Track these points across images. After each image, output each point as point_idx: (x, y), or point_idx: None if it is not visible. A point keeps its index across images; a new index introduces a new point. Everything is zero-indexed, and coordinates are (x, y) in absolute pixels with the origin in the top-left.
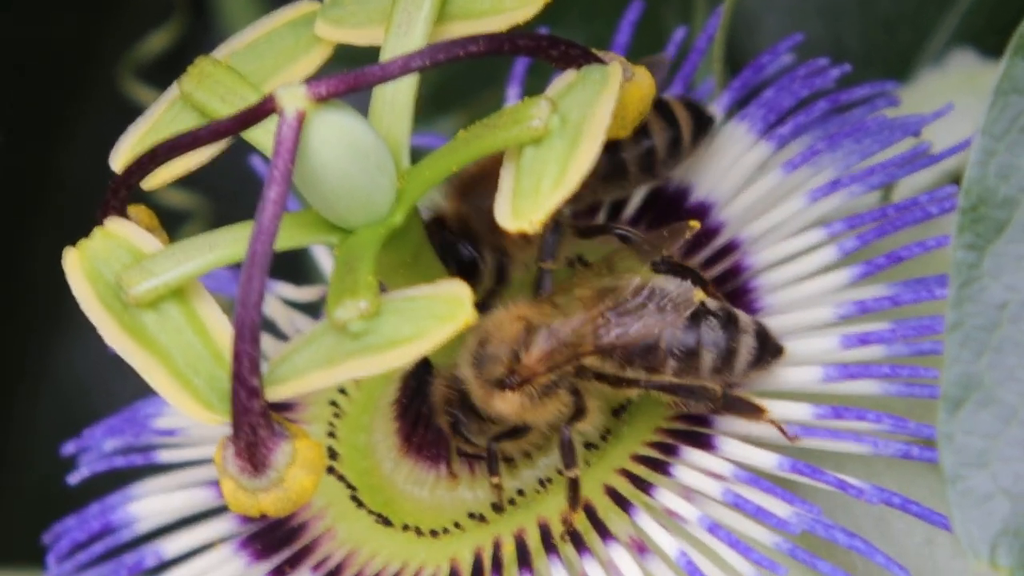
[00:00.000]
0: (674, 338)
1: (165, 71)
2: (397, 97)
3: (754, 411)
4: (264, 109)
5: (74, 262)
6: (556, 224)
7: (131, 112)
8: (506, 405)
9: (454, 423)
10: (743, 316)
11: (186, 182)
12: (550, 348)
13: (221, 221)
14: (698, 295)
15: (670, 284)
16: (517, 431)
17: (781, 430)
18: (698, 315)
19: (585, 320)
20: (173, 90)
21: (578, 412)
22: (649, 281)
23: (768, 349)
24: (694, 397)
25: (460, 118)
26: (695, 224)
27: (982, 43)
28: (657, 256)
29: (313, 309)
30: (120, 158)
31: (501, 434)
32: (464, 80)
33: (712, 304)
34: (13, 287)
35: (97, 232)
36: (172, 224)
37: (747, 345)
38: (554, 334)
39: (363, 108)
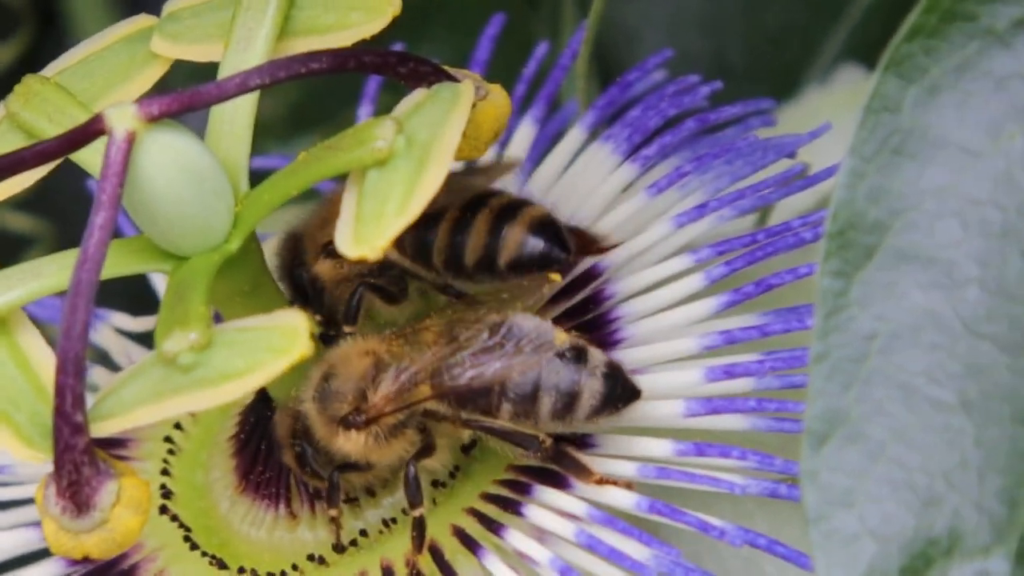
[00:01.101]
0: (510, 380)
1: (11, 88)
2: (236, 117)
3: (582, 471)
4: (92, 130)
5: None
6: (359, 286)
7: None
8: (350, 444)
9: (300, 455)
10: (595, 355)
11: (32, 206)
12: (399, 387)
13: (68, 247)
14: (559, 336)
15: (528, 323)
16: (360, 466)
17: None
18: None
19: (437, 359)
20: (0, 110)
21: (425, 449)
22: (507, 319)
23: (618, 393)
24: (523, 446)
25: (320, 137)
26: (556, 278)
27: (872, 59)
28: (514, 309)
29: (151, 339)
30: None
31: (344, 465)
32: (325, 98)
33: (561, 340)
34: None
35: None
36: (15, 250)
37: (592, 389)
38: (404, 372)
39: (200, 128)
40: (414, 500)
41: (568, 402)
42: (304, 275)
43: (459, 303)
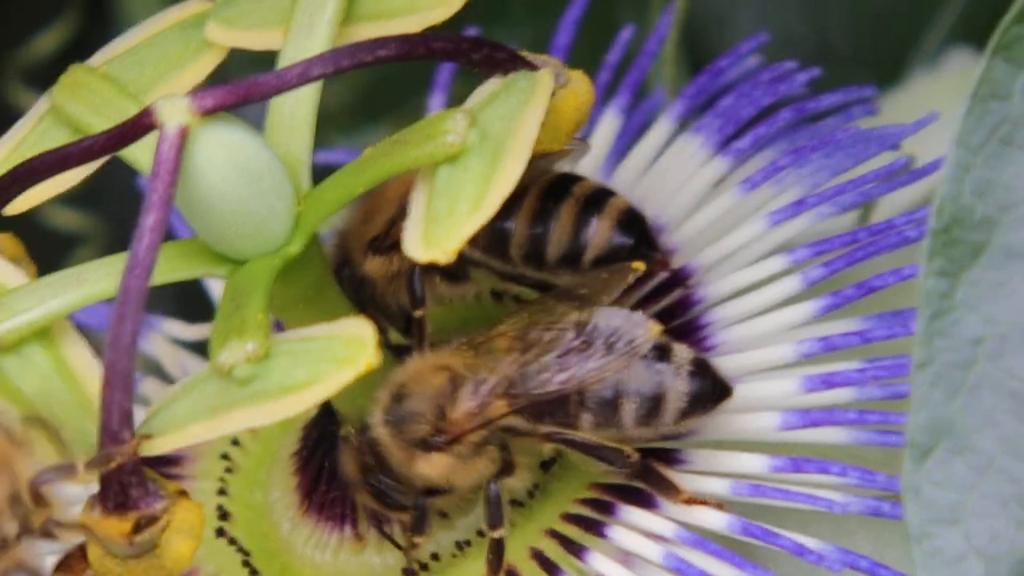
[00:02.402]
0: (589, 387)
1: (56, 79)
2: (297, 109)
3: (670, 489)
4: (142, 124)
5: None
6: (415, 268)
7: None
8: (431, 468)
9: (377, 491)
10: (679, 352)
11: (81, 201)
12: (480, 402)
13: (119, 247)
14: (653, 329)
15: (616, 318)
16: (442, 490)
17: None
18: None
19: (518, 366)
20: (43, 103)
21: (506, 467)
22: (592, 316)
23: (708, 392)
24: (608, 461)
25: (389, 128)
26: (640, 266)
27: (983, 41)
28: (596, 305)
29: (207, 348)
30: None
31: (427, 490)
32: (394, 84)
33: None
34: None
35: None
36: (63, 249)
37: (677, 391)
38: (483, 385)
39: (260, 121)
40: (495, 521)
41: (653, 406)
42: (352, 275)
43: (533, 304)
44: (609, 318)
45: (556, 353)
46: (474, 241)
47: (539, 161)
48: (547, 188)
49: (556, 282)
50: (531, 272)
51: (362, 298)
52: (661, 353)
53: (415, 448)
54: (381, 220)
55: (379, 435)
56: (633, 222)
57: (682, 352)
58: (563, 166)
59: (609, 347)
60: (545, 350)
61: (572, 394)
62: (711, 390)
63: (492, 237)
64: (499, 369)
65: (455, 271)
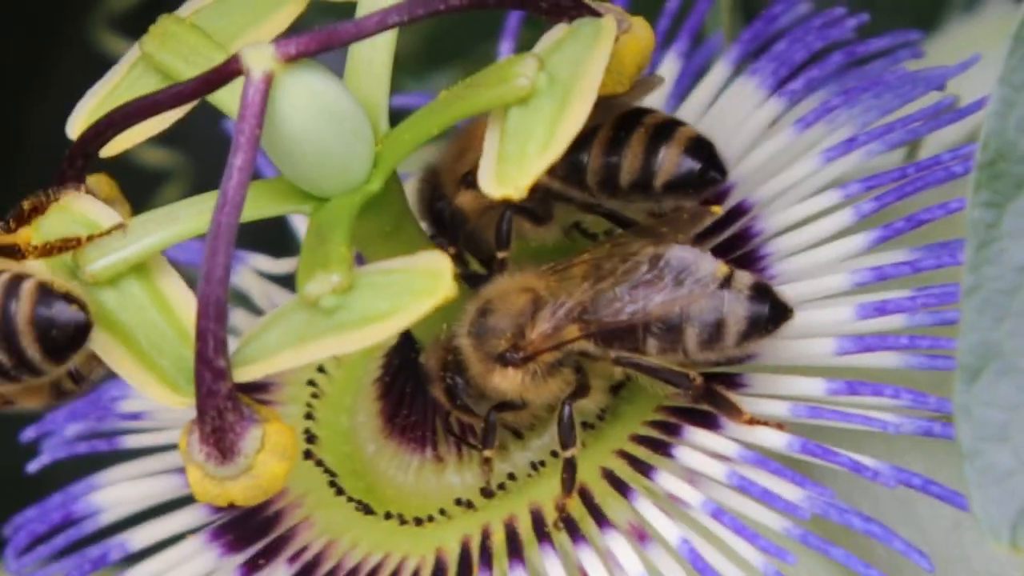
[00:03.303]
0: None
1: (145, 21)
2: (374, 56)
3: (732, 411)
4: (229, 70)
5: (29, 238)
6: (507, 210)
7: (107, 68)
8: (506, 382)
9: (451, 388)
10: (740, 278)
11: (169, 140)
12: (556, 324)
13: (205, 184)
14: (720, 268)
15: (687, 255)
16: (515, 405)
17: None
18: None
19: (593, 294)
20: (135, 51)
21: (580, 389)
22: (665, 251)
23: (768, 314)
24: (673, 383)
25: (457, 73)
26: (717, 209)
27: None
28: (670, 240)
29: (292, 281)
30: (77, 125)
31: (499, 405)
32: (461, 31)
33: (705, 266)
34: None
35: (52, 207)
36: (152, 185)
37: (737, 314)
38: (561, 308)
39: (339, 68)
40: (567, 441)
41: (715, 330)
42: (445, 208)
43: (617, 236)
44: (681, 255)
45: (629, 284)
46: (553, 172)
47: (617, 99)
48: (619, 120)
49: (631, 210)
50: (607, 199)
51: (453, 229)
52: (723, 281)
53: (493, 362)
54: (473, 157)
55: (462, 344)
56: (701, 147)
57: (743, 278)
58: (635, 101)
59: (679, 282)
60: (619, 281)
61: (640, 322)
62: (771, 312)
63: (570, 167)
64: (576, 295)
65: (539, 211)
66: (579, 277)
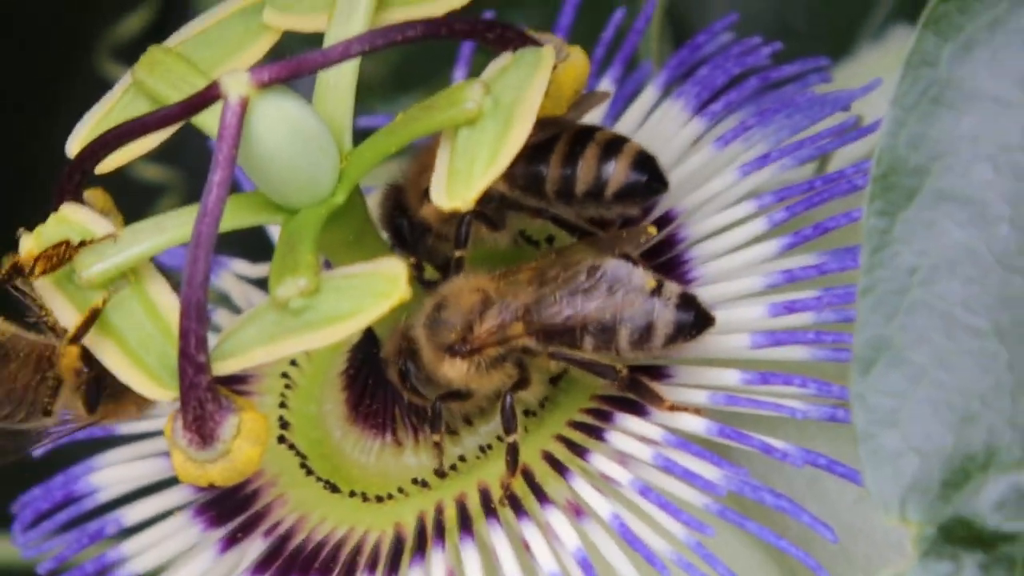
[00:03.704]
0: (591, 316)
1: (142, 51)
2: (339, 81)
3: (656, 399)
4: (209, 95)
5: (29, 247)
6: (467, 215)
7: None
8: (453, 371)
9: (403, 372)
10: (669, 288)
11: (163, 156)
12: (500, 322)
13: (198, 196)
14: (650, 282)
15: (622, 269)
16: (461, 394)
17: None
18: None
19: (534, 298)
20: (127, 77)
21: (521, 382)
22: (603, 264)
23: (692, 322)
24: (602, 375)
25: (421, 96)
26: (653, 230)
27: (918, 18)
28: (612, 254)
29: (267, 284)
30: (75, 144)
31: (447, 394)
32: (424, 59)
33: (637, 277)
34: None
35: (52, 217)
36: (149, 198)
37: (665, 320)
38: (506, 309)
39: (309, 92)
40: (509, 427)
41: (644, 332)
42: (406, 222)
43: (562, 248)
44: (616, 267)
45: (568, 290)
46: (514, 182)
47: (567, 115)
48: (574, 136)
49: (580, 216)
50: (562, 207)
51: (415, 240)
52: (654, 290)
53: (443, 352)
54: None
55: (416, 334)
56: (646, 161)
57: (672, 288)
58: (582, 115)
59: (612, 291)
60: (560, 287)
61: (576, 323)
62: (695, 320)
63: (530, 178)
64: (520, 297)
65: (495, 218)
66: (525, 282)
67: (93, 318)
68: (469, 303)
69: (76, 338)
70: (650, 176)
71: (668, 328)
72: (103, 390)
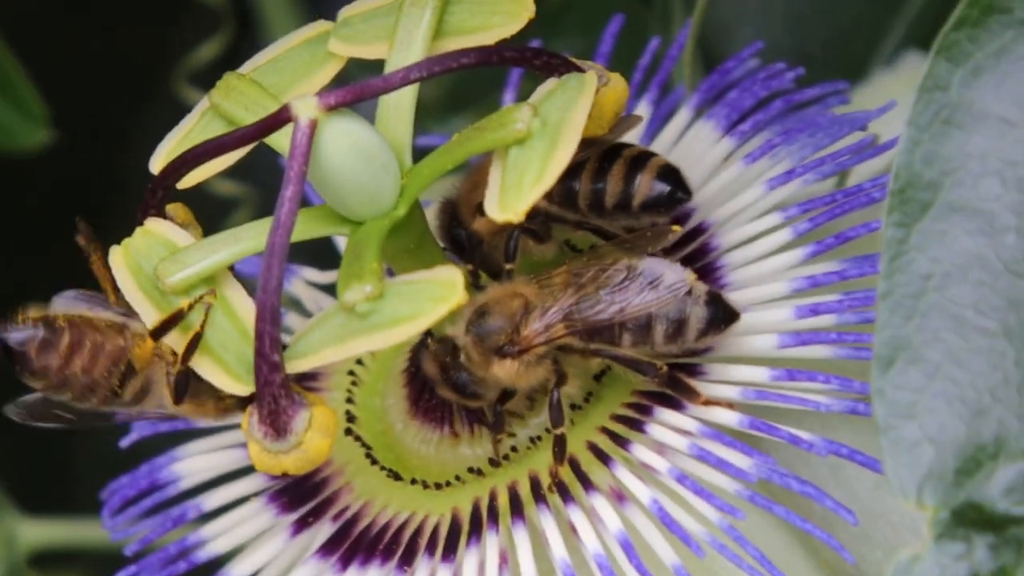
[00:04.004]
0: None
1: (216, 77)
2: (400, 104)
3: (692, 394)
4: (281, 118)
5: (118, 258)
6: (515, 231)
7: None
8: (503, 371)
9: (456, 384)
10: (698, 286)
11: (238, 173)
12: (545, 323)
13: (268, 209)
14: (690, 276)
15: (660, 265)
16: (508, 393)
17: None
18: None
19: (577, 298)
20: (205, 102)
21: (561, 378)
22: (642, 261)
23: (720, 316)
24: (643, 372)
25: (472, 118)
26: (677, 229)
27: (928, 46)
28: (641, 254)
29: (335, 289)
30: (158, 163)
31: (501, 395)
32: (476, 84)
33: (670, 276)
34: (85, 282)
35: (137, 230)
36: (224, 211)
37: (697, 315)
38: (549, 311)
39: (371, 114)
40: (556, 421)
41: (678, 327)
42: (462, 232)
43: (591, 251)
44: (654, 265)
45: (608, 289)
46: (551, 198)
47: (608, 134)
48: (603, 153)
49: (613, 226)
50: (595, 218)
51: (470, 250)
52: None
53: (492, 354)
54: (485, 189)
55: (463, 342)
56: (669, 173)
57: (699, 286)
58: (619, 137)
59: (653, 287)
60: (600, 286)
61: (617, 320)
62: (722, 315)
63: (565, 193)
64: (561, 299)
65: (540, 231)
66: (561, 284)
67: (176, 319)
68: (512, 308)
69: (157, 335)
70: (673, 186)
71: (700, 323)
72: (188, 387)
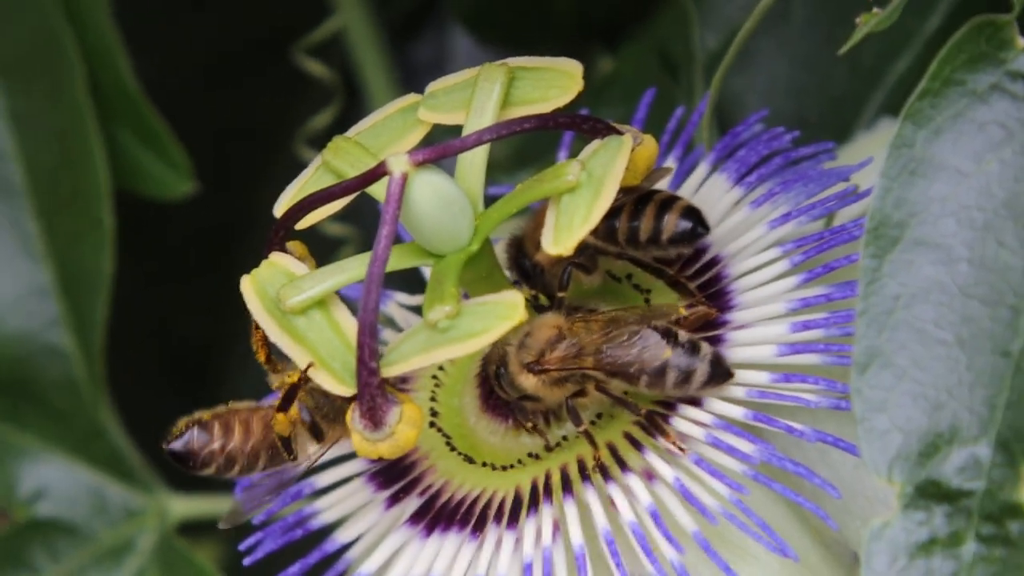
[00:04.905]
0: (645, 363)
1: (328, 139)
2: (474, 161)
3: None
4: (379, 172)
5: (247, 285)
6: (568, 265)
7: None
8: (528, 382)
9: (496, 374)
10: (704, 347)
11: (346, 217)
12: (564, 355)
13: (369, 246)
14: (667, 354)
15: (652, 338)
16: (533, 398)
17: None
18: (670, 344)
19: (594, 343)
20: (318, 159)
21: (579, 393)
22: (641, 330)
23: (719, 373)
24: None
25: (534, 172)
26: (681, 310)
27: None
28: (650, 322)
29: (421, 310)
30: (281, 208)
31: (524, 396)
32: (537, 145)
33: (683, 337)
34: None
35: (263, 263)
36: (333, 248)
37: (702, 371)
38: (571, 347)
39: (452, 168)
40: (576, 421)
41: (685, 377)
42: (527, 263)
43: (619, 310)
44: (649, 336)
45: (613, 345)
46: (596, 234)
47: (643, 183)
48: (639, 198)
49: (647, 257)
50: (631, 251)
51: (534, 278)
52: (694, 347)
53: (522, 367)
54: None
55: (507, 351)
56: (691, 213)
57: (706, 347)
58: (652, 184)
59: (641, 352)
60: (610, 340)
61: (636, 367)
62: (721, 373)
63: (607, 231)
64: (587, 339)
65: (588, 264)
66: (596, 329)
67: (294, 392)
68: (547, 336)
69: (283, 408)
70: (695, 223)
71: (703, 377)
72: (321, 427)
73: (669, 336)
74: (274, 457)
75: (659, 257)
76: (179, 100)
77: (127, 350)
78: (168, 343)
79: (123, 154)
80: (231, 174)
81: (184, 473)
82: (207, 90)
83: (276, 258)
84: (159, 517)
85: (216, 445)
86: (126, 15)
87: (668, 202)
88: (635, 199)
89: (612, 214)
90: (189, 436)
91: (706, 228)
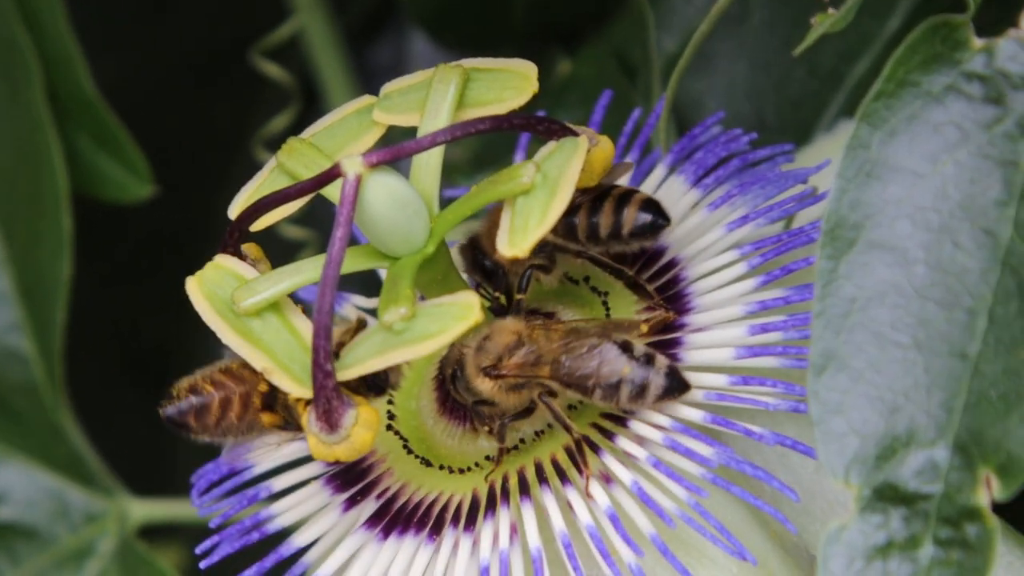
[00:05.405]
0: (601, 375)
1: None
2: (430, 162)
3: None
4: (333, 174)
5: (193, 287)
6: (528, 268)
7: None
8: (484, 386)
9: (453, 376)
10: (660, 360)
11: (304, 220)
12: (521, 362)
13: (325, 247)
14: (625, 370)
15: (612, 352)
16: (488, 403)
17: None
18: (627, 359)
19: (552, 352)
20: (273, 161)
21: (525, 412)
22: (602, 344)
23: (674, 386)
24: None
25: (491, 174)
26: (644, 328)
27: None
28: (612, 337)
29: (377, 312)
30: (235, 209)
31: (480, 401)
32: (496, 148)
33: (639, 350)
34: (180, 313)
35: (208, 265)
36: (292, 251)
37: (656, 384)
38: (529, 354)
39: (407, 170)
40: (500, 439)
41: (640, 391)
42: (488, 263)
43: (580, 321)
44: (609, 351)
45: (573, 356)
46: (556, 232)
47: (602, 181)
48: (597, 194)
49: (611, 253)
50: (592, 247)
51: (495, 278)
52: (649, 359)
53: (479, 370)
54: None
55: (465, 354)
56: (650, 205)
57: (661, 360)
58: (610, 182)
59: (600, 365)
60: (569, 352)
61: (591, 379)
62: (677, 385)
63: (567, 228)
64: (544, 347)
65: (547, 263)
66: (556, 338)
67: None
68: (506, 341)
69: (265, 408)
70: (655, 215)
71: (658, 391)
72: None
73: (626, 349)
74: (226, 436)
75: (620, 253)
76: (138, 103)
77: (87, 353)
78: (128, 346)
79: (81, 158)
80: (190, 177)
81: (144, 477)
82: (166, 93)
83: (222, 260)
84: (119, 521)
85: (212, 419)
86: (85, 19)
87: (626, 196)
88: (593, 196)
89: (571, 211)
90: (186, 406)
91: (667, 219)
